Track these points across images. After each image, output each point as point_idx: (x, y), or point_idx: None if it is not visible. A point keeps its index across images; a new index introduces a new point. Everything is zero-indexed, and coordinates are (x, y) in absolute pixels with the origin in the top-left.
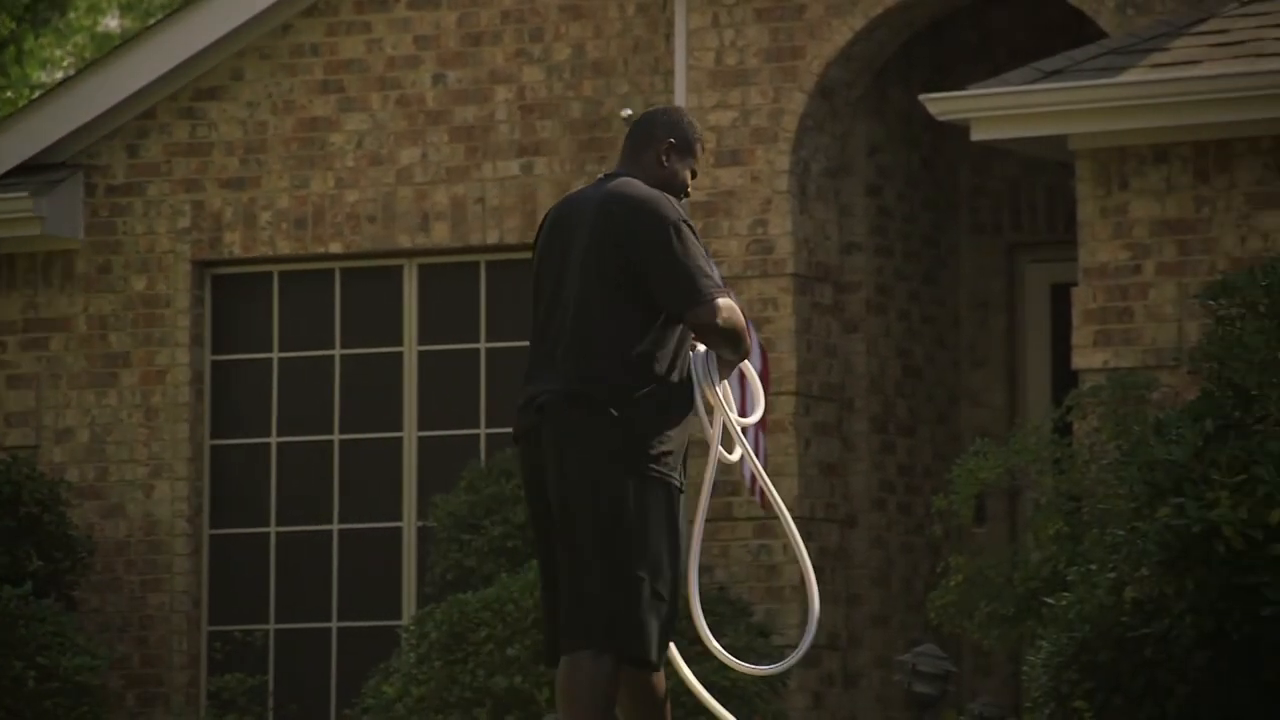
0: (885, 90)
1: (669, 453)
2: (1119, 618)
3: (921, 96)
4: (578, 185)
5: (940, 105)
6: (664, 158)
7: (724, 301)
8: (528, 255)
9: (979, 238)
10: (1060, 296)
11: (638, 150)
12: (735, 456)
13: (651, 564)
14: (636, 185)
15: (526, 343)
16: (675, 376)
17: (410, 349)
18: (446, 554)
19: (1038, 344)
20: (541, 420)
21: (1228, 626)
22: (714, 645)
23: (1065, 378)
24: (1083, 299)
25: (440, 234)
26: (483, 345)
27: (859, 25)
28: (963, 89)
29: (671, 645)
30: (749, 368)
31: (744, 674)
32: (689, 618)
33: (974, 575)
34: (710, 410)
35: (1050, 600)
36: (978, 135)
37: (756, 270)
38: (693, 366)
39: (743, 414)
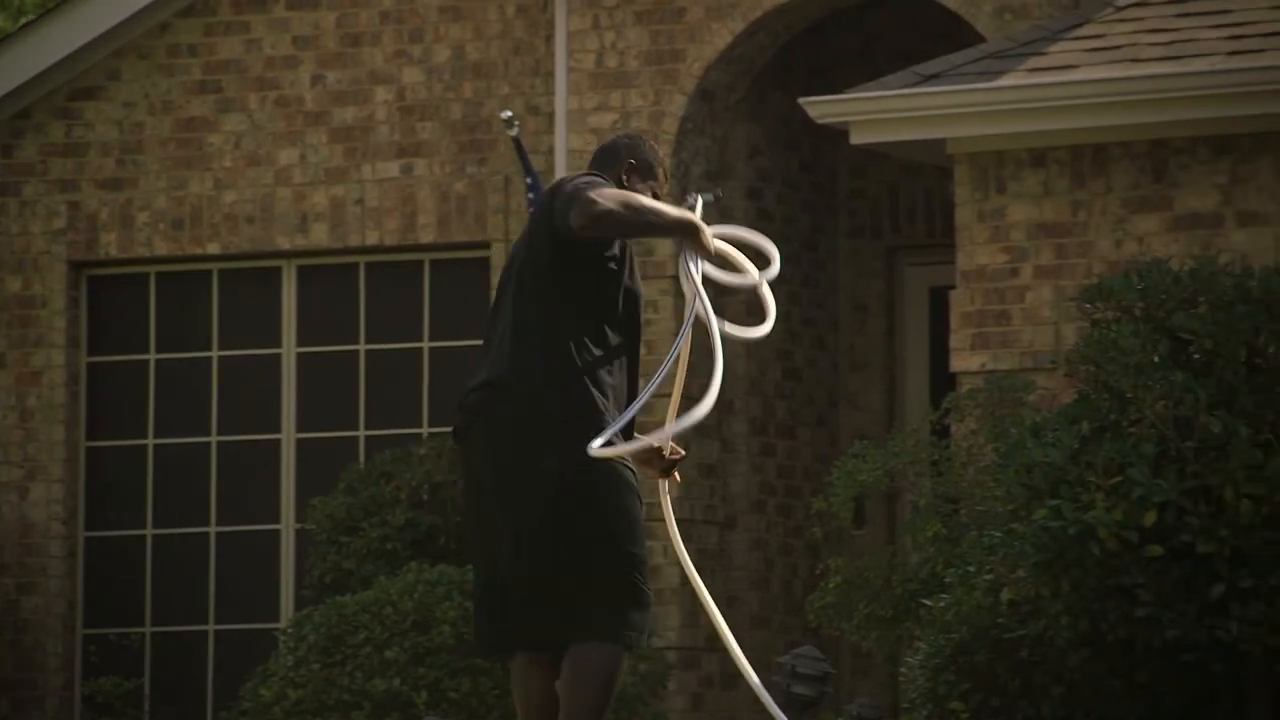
0: (765, 93)
1: (612, 432)
2: (996, 619)
3: (801, 100)
4: (458, 187)
5: (819, 109)
6: (624, 178)
7: (597, 191)
8: (407, 256)
9: (858, 240)
10: (938, 299)
11: (599, 173)
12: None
13: (623, 548)
14: None
15: (405, 344)
16: (611, 360)
17: (289, 351)
18: (325, 556)
19: (916, 347)
20: (474, 417)
21: (1103, 627)
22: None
23: (943, 380)
24: (960, 302)
25: (319, 235)
26: (362, 347)
27: (739, 28)
28: (841, 92)
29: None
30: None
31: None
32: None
33: (852, 577)
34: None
35: (928, 602)
36: (857, 139)
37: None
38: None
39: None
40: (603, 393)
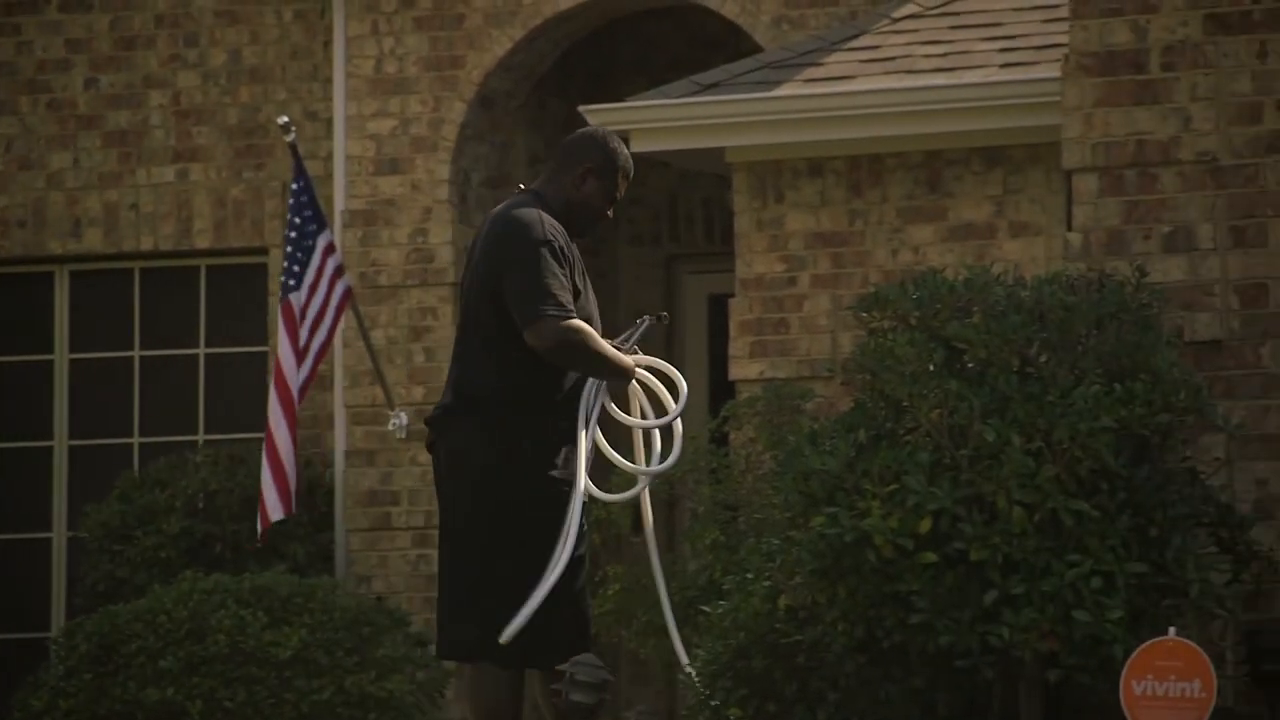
0: (545, 101)
1: (557, 457)
2: (773, 625)
3: (581, 108)
4: (234, 192)
5: (599, 117)
6: (581, 180)
7: (556, 325)
8: (182, 262)
9: (638, 248)
10: (717, 307)
11: (558, 170)
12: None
13: (534, 568)
14: (523, 209)
15: (181, 350)
16: (560, 384)
17: (61, 356)
18: (98, 565)
19: (695, 355)
20: (436, 437)
21: (878, 634)
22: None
23: (722, 388)
24: (739, 310)
25: (93, 240)
26: (136, 353)
27: (518, 35)
28: (622, 100)
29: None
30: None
31: (638, 473)
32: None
33: (631, 584)
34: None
35: (706, 609)
36: (636, 147)
37: (416, 280)
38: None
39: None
40: (552, 408)
